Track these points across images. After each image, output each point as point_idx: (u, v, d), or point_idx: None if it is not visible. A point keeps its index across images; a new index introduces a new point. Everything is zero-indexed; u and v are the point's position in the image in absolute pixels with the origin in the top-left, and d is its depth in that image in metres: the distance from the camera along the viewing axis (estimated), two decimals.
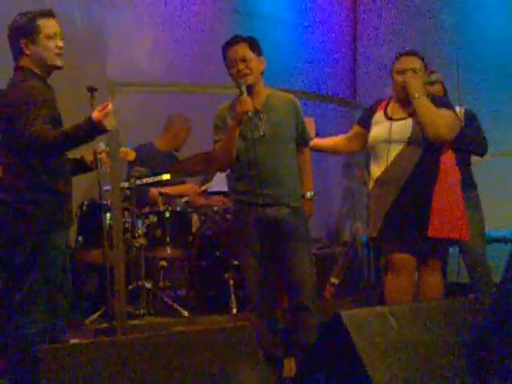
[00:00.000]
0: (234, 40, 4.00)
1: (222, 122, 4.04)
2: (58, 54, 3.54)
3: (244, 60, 3.95)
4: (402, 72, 4.06)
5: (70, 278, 3.65)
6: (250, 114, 3.82)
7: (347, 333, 2.88)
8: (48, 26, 3.52)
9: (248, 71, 3.94)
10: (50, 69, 3.58)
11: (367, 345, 2.88)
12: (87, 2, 5.83)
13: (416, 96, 3.95)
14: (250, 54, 3.97)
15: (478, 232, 4.81)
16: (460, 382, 2.96)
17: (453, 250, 4.79)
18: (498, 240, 5.65)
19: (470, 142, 4.51)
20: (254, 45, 4.01)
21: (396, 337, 2.98)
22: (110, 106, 3.38)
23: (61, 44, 3.55)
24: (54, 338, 3.49)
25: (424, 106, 3.96)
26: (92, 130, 3.35)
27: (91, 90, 3.66)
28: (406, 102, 4.08)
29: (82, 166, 3.78)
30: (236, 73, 3.95)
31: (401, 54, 4.13)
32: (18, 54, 3.55)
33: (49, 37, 3.51)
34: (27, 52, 3.51)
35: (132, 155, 4.80)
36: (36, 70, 3.54)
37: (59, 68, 3.58)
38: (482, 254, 4.92)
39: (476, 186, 4.91)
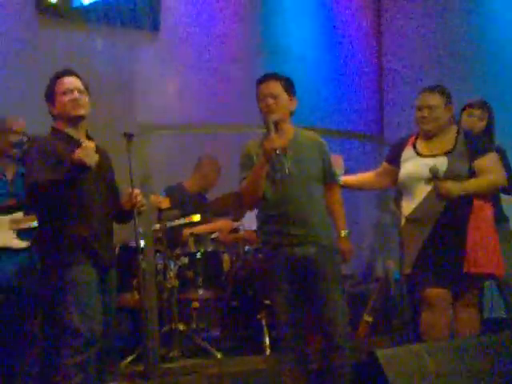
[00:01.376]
0: (268, 76, 4.03)
1: (249, 159, 4.03)
2: (75, 105, 3.66)
3: (274, 97, 3.96)
4: (420, 108, 4.09)
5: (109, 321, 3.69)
6: (278, 151, 3.84)
7: (383, 372, 2.85)
8: (62, 83, 3.69)
9: (276, 108, 3.95)
10: (73, 120, 3.70)
11: (403, 383, 2.84)
12: (114, 47, 5.91)
13: (462, 193, 3.93)
14: (281, 92, 3.97)
15: None
16: None
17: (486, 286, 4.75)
18: None
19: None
20: (287, 84, 4.02)
21: (433, 375, 2.93)
22: (87, 143, 3.50)
23: (76, 96, 3.67)
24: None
25: (475, 189, 3.98)
26: (73, 168, 3.45)
27: (128, 135, 3.78)
28: (433, 138, 4.09)
29: (124, 214, 3.83)
30: (264, 107, 3.96)
31: (422, 91, 4.15)
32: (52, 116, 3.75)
33: (63, 93, 3.67)
34: (54, 113, 3.70)
35: (166, 203, 4.85)
36: (64, 127, 3.70)
37: (81, 117, 3.69)
38: None
39: (508, 220, 4.86)
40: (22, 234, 4.29)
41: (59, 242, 3.57)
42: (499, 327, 4.84)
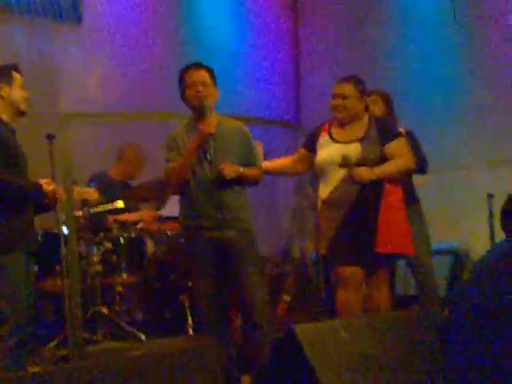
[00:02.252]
0: (197, 65, 4.06)
1: (175, 142, 4.03)
2: (25, 103, 3.76)
3: (205, 84, 3.98)
4: (334, 97, 4.14)
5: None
6: (208, 135, 3.87)
7: (301, 347, 2.86)
8: (19, 77, 3.76)
9: (206, 93, 3.97)
10: (19, 114, 3.77)
11: (320, 358, 2.87)
12: (36, 37, 5.78)
13: (374, 178, 4.01)
14: (209, 81, 4.01)
15: (424, 244, 4.86)
16: None
17: (400, 264, 4.85)
18: (436, 252, 5.72)
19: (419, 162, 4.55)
20: (213, 75, 4.06)
21: (348, 349, 2.97)
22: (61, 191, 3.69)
23: (27, 95, 3.76)
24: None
25: (385, 173, 4.06)
26: (36, 194, 3.63)
27: (50, 137, 3.82)
28: (347, 125, 4.14)
29: (42, 206, 3.82)
30: (196, 93, 3.96)
31: (337, 80, 4.21)
32: None
33: (20, 87, 3.74)
34: (5, 97, 3.69)
35: (95, 195, 4.79)
36: (3, 117, 3.71)
37: (24, 114, 3.78)
38: (429, 266, 4.95)
39: (418, 200, 4.95)
40: None
41: None
42: (409, 303, 4.96)
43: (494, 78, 6.38)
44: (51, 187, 3.66)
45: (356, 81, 4.18)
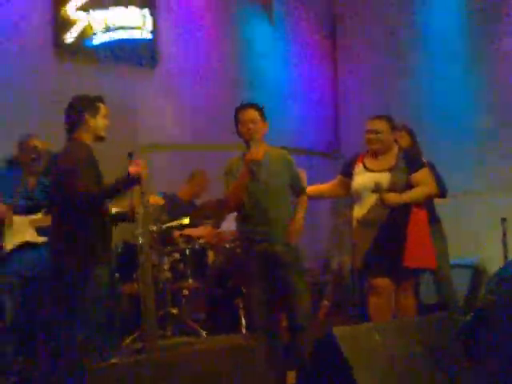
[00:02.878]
0: (248, 105, 4.04)
1: (231, 170, 4.04)
2: (105, 130, 3.72)
3: (254, 122, 3.98)
4: (368, 132, 4.12)
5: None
6: (256, 163, 3.87)
7: (339, 347, 2.85)
8: (103, 108, 3.72)
9: (254, 130, 3.96)
10: (97, 140, 3.71)
11: (356, 357, 2.84)
12: (119, 80, 5.89)
13: (402, 202, 3.98)
14: (258, 118, 3.99)
15: (445, 259, 4.79)
16: None
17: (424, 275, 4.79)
18: (457, 267, 5.63)
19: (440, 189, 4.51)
20: (262, 112, 4.04)
21: (380, 349, 2.94)
22: (142, 162, 3.54)
23: (107, 123, 3.73)
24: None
25: (412, 199, 4.02)
26: (130, 181, 3.50)
27: (130, 154, 3.74)
28: (379, 156, 4.12)
29: (123, 218, 3.84)
30: (246, 130, 3.97)
31: (369, 118, 4.19)
32: (75, 126, 3.66)
33: (103, 116, 3.70)
34: (90, 124, 3.64)
35: (161, 201, 4.84)
36: (87, 141, 3.66)
37: (103, 139, 3.73)
38: (449, 279, 4.88)
39: (440, 220, 4.87)
40: (40, 231, 4.25)
41: (83, 244, 3.51)
42: (430, 311, 4.88)
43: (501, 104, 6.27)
44: (138, 168, 3.54)
45: (387, 118, 4.16)
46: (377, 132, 4.10)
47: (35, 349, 4.20)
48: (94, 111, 3.66)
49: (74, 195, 3.46)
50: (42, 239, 4.27)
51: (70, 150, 3.62)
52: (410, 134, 4.85)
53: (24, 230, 4.21)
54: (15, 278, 4.04)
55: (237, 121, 4.04)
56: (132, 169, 3.51)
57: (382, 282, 3.98)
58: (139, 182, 3.51)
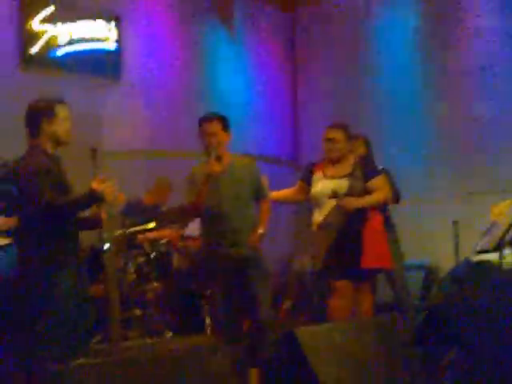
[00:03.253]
0: (210, 117, 3.96)
1: (194, 178, 4.00)
2: (68, 134, 3.47)
3: (214, 134, 3.91)
4: (326, 141, 4.13)
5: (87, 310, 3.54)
6: (215, 174, 3.82)
7: (299, 346, 2.83)
8: (62, 110, 3.45)
9: (216, 144, 3.90)
10: (60, 144, 3.48)
11: (316, 355, 2.84)
12: (83, 89, 5.79)
13: (359, 206, 4.01)
14: (219, 131, 3.92)
15: (399, 262, 4.82)
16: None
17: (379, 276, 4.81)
18: (411, 267, 5.69)
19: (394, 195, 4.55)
20: (224, 122, 3.97)
21: (340, 348, 2.94)
22: (108, 183, 3.33)
23: (69, 126, 3.48)
24: None
25: (368, 203, 4.06)
26: (93, 198, 3.31)
27: (94, 150, 3.56)
28: (336, 163, 4.13)
29: (89, 224, 3.63)
30: (207, 143, 3.92)
31: (328, 127, 4.19)
32: (34, 133, 3.47)
33: (63, 119, 3.44)
34: (47, 130, 3.40)
35: (122, 198, 4.72)
36: (47, 147, 3.44)
37: (66, 144, 3.49)
38: (402, 279, 4.92)
39: (393, 225, 4.91)
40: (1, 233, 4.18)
41: (46, 248, 3.36)
42: (387, 310, 4.91)
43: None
44: (102, 185, 3.31)
45: (344, 127, 4.18)
46: (334, 141, 4.11)
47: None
48: (51, 116, 3.40)
49: (34, 205, 3.31)
50: (4, 241, 4.17)
51: (26, 158, 3.41)
52: (366, 143, 4.88)
53: None
54: None
55: (200, 132, 3.98)
56: (95, 185, 3.30)
57: (343, 284, 3.99)
58: (102, 199, 3.33)
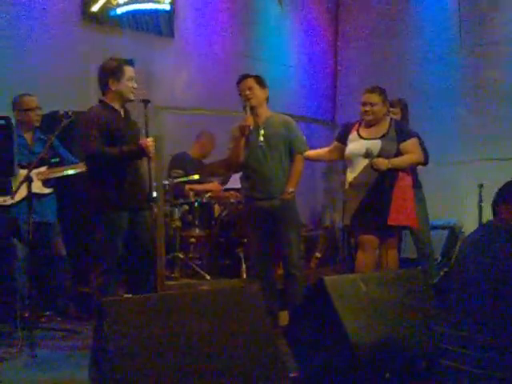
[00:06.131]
0: (244, 76, 4.12)
1: (234, 134, 4.08)
2: (132, 91, 3.62)
3: (250, 89, 4.03)
4: (363, 104, 4.07)
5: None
6: (250, 127, 3.87)
7: (328, 293, 2.87)
8: (129, 71, 3.60)
9: (251, 96, 4.02)
10: (125, 101, 3.65)
11: (342, 303, 2.87)
12: (139, 47, 5.81)
13: (389, 166, 3.94)
14: (255, 85, 4.06)
15: (425, 220, 4.80)
16: (408, 331, 2.95)
17: (405, 233, 4.80)
18: (436, 227, 5.66)
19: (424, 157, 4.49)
20: (259, 79, 4.11)
21: (364, 297, 2.97)
22: (151, 140, 3.51)
23: (135, 85, 3.62)
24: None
25: (399, 165, 3.99)
26: (138, 152, 3.50)
27: (145, 101, 3.68)
28: (372, 126, 4.09)
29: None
30: (244, 97, 4.04)
31: (365, 90, 4.12)
32: (103, 90, 3.60)
33: (129, 79, 3.58)
34: (113, 88, 3.55)
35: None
36: (113, 103, 3.59)
37: (132, 101, 3.66)
38: (427, 237, 4.91)
39: (421, 186, 4.87)
40: (46, 182, 4.24)
41: (101, 193, 3.52)
42: (412, 265, 4.91)
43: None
44: (149, 143, 3.51)
45: (380, 91, 4.11)
46: (371, 104, 4.06)
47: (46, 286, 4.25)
48: (118, 76, 3.55)
49: (84, 152, 3.54)
50: (48, 190, 4.26)
51: (87, 111, 3.60)
52: (403, 108, 4.80)
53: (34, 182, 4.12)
54: (24, 224, 3.85)
55: (238, 90, 4.10)
56: (142, 141, 3.50)
57: (368, 238, 3.99)
58: (147, 154, 3.50)
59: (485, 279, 2.17)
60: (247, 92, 4.03)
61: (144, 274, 3.65)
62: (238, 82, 4.10)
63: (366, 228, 3.98)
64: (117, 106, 3.62)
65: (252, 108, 4.02)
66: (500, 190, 2.52)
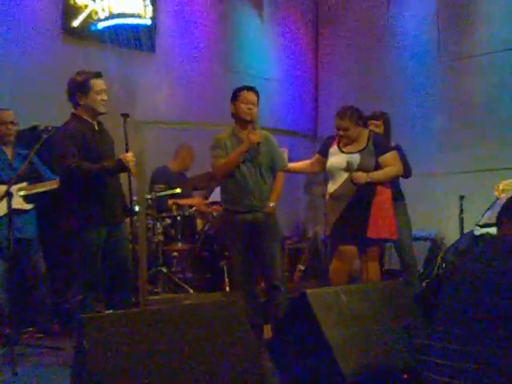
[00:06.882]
0: (252, 88, 4.04)
1: (219, 144, 4.02)
2: (103, 104, 3.57)
3: (254, 104, 4.00)
4: (337, 129, 4.10)
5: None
6: (257, 145, 3.91)
7: (310, 306, 2.86)
8: (97, 84, 3.55)
9: (255, 110, 3.99)
10: (97, 114, 3.60)
11: (325, 315, 2.86)
12: (120, 62, 5.80)
13: (368, 180, 3.98)
14: (257, 102, 4.02)
15: (407, 232, 4.81)
16: (392, 344, 2.96)
17: (388, 245, 4.82)
18: (418, 238, 5.68)
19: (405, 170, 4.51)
20: (258, 97, 4.06)
21: (346, 309, 2.96)
22: (131, 154, 3.50)
23: (105, 98, 3.58)
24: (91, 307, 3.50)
25: (378, 178, 4.03)
26: (119, 168, 3.48)
27: (124, 116, 3.67)
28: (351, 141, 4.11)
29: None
30: (248, 110, 3.97)
31: (337, 116, 4.11)
32: (73, 104, 3.58)
33: (98, 92, 3.53)
34: (81, 103, 3.53)
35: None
36: (85, 117, 3.55)
37: (103, 113, 3.61)
38: (410, 249, 4.90)
39: (404, 197, 4.88)
40: (26, 198, 4.16)
41: (82, 209, 3.48)
42: (394, 276, 4.93)
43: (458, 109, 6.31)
44: (129, 158, 3.49)
45: (351, 114, 4.07)
46: (344, 129, 4.08)
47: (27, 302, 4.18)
48: (86, 90, 3.50)
49: (60, 168, 3.50)
50: (29, 206, 4.19)
51: (62, 126, 3.56)
52: (386, 122, 4.81)
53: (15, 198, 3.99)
54: (4, 240, 3.77)
55: (239, 100, 3.99)
56: (122, 156, 3.47)
57: (346, 248, 4.02)
58: (127, 168, 3.48)
59: (493, 293, 2.14)
60: (251, 106, 3.97)
61: (122, 287, 3.59)
62: (242, 93, 3.98)
63: (346, 239, 4.00)
64: (89, 119, 3.59)
65: (250, 121, 3.99)
66: (504, 204, 2.52)
